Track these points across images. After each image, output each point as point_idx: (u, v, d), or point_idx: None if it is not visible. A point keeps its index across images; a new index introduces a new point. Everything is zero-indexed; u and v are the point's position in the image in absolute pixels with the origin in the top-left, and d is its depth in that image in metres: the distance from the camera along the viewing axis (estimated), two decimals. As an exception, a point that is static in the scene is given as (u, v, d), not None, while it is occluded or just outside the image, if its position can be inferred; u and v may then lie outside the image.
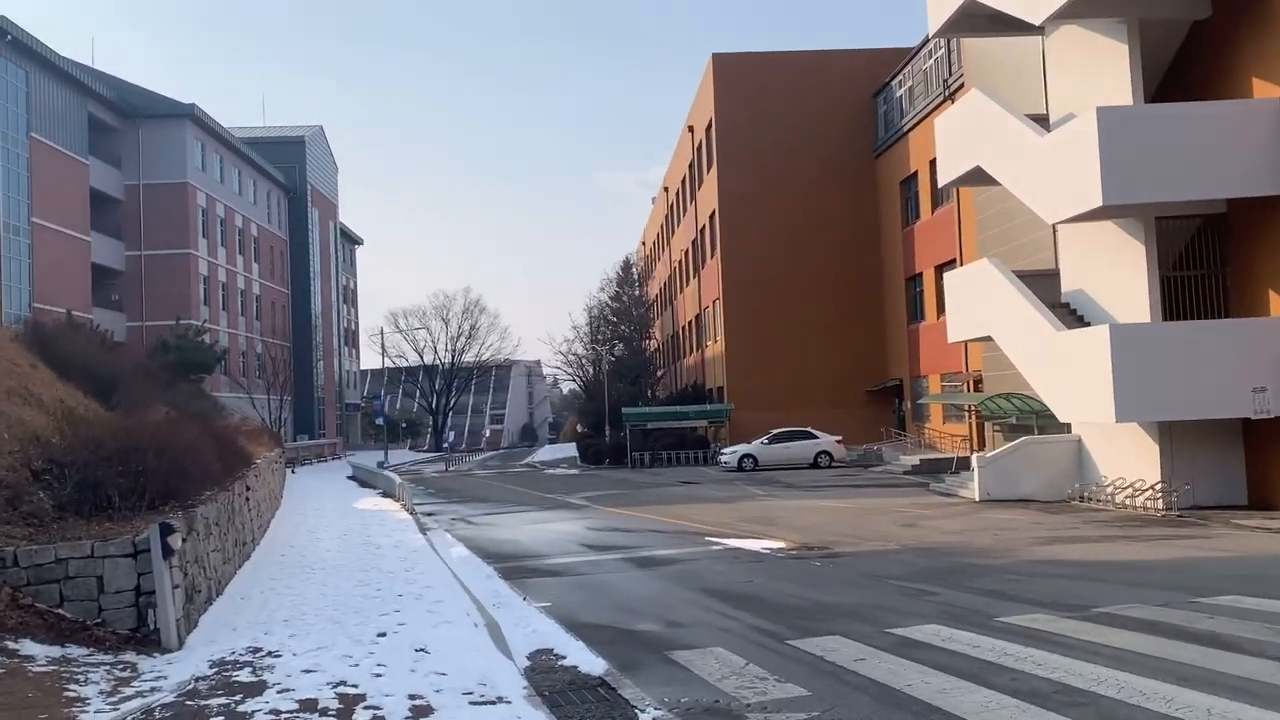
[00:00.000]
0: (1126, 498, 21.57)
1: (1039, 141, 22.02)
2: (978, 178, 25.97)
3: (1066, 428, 27.15)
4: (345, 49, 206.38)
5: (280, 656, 8.84)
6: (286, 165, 71.93)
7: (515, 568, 15.14)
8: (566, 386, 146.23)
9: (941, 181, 27.75)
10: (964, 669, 7.96)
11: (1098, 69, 22.40)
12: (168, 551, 9.09)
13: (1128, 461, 22.11)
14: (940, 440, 39.23)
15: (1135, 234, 21.52)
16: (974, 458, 25.05)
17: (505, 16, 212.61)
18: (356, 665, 8.50)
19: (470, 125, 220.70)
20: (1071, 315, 23.51)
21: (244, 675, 8.19)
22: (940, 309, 39.86)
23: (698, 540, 17.67)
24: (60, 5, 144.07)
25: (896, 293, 44.63)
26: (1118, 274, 22.31)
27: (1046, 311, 22.60)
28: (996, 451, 25.03)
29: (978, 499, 24.38)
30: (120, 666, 8.19)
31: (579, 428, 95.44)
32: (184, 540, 9.84)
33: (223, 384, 56.07)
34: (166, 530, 9.12)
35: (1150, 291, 21.07)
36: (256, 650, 9.10)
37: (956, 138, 26.37)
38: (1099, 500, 22.67)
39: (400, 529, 19.99)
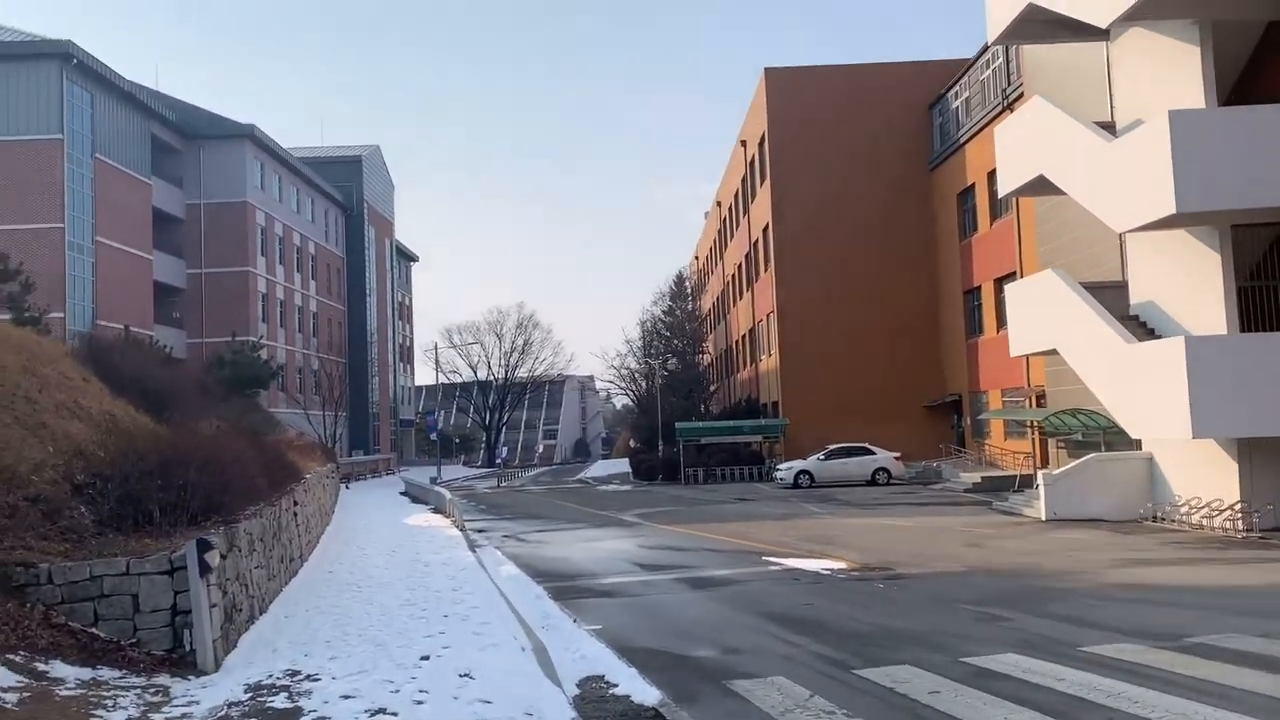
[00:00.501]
0: (1203, 518, 20.59)
1: (1106, 148, 21.21)
2: (1040, 187, 25.15)
3: (1136, 445, 26.14)
4: (405, 63, 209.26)
5: (319, 680, 8.47)
6: (344, 184, 72.75)
7: (566, 587, 14.70)
8: (620, 401, 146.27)
9: (1002, 191, 26.95)
10: (1052, 705, 7.33)
11: (1167, 73, 21.56)
12: (205, 569, 8.78)
13: (1204, 480, 21.12)
14: (1001, 457, 38.15)
15: (1210, 242, 20.61)
16: (1040, 475, 24.17)
17: (563, 30, 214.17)
18: (397, 691, 8.09)
19: (526, 139, 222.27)
20: (1141, 328, 22.59)
21: (279, 701, 7.82)
22: (1000, 322, 38.87)
23: (754, 560, 17.09)
24: (126, 32, 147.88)
25: (954, 306, 43.65)
26: (1191, 284, 21.40)
27: (1116, 324, 21.73)
28: (1063, 469, 24.12)
29: (1044, 519, 23.49)
30: (152, 690, 7.86)
31: (631, 443, 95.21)
32: (223, 557, 9.54)
33: (280, 400, 56.61)
34: (204, 547, 8.82)
35: (1226, 302, 20.15)
36: (295, 674, 8.73)
37: (1018, 146, 25.59)
38: (1173, 521, 21.69)
39: (449, 546, 19.67)
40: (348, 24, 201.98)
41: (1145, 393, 20.37)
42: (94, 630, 8.68)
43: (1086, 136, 22.01)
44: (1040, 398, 34.52)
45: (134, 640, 8.75)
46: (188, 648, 8.80)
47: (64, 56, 41.93)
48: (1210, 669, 8.21)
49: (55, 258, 41.42)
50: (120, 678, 8.05)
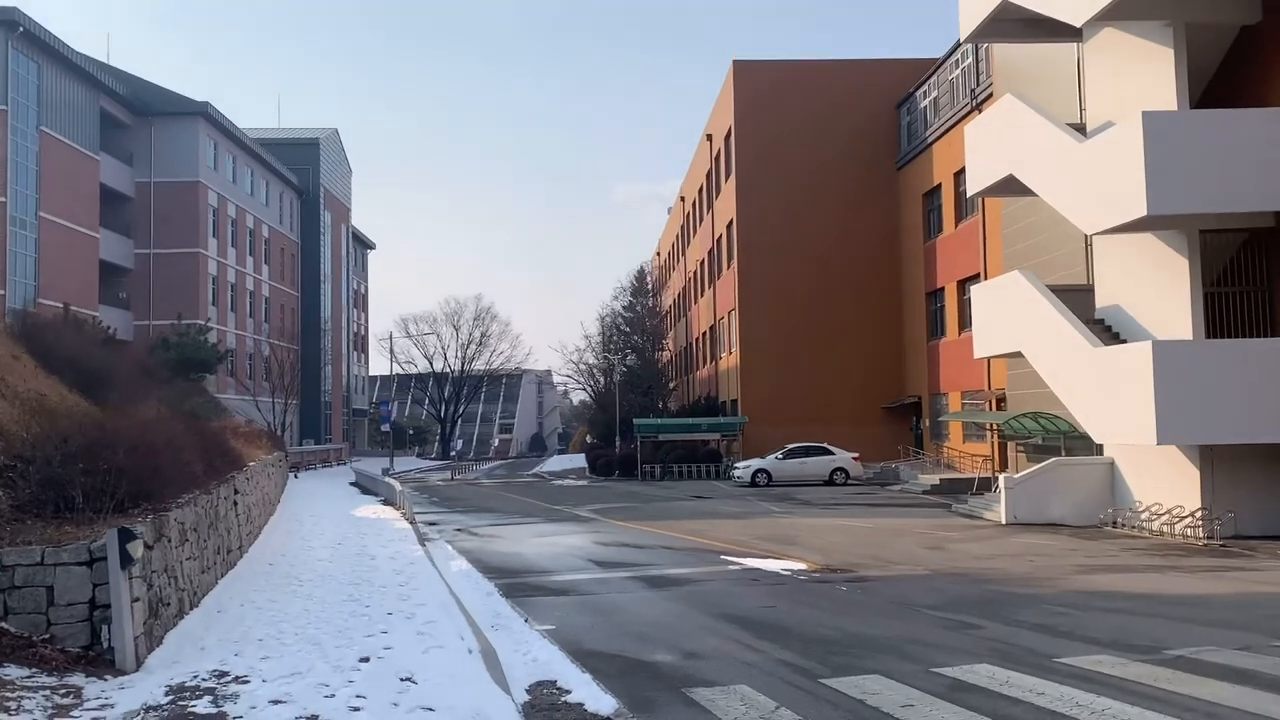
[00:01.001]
0: (1164, 525, 20.44)
1: (1078, 148, 20.97)
2: (1009, 187, 24.90)
3: (1097, 449, 26.05)
4: (363, 48, 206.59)
5: (248, 683, 7.82)
6: (300, 167, 71.33)
7: (518, 584, 14.12)
8: (577, 397, 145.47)
9: (971, 191, 26.69)
10: (1032, 722, 6.91)
11: (1139, 75, 21.36)
12: (127, 560, 8.10)
13: (1165, 486, 20.98)
14: (960, 460, 38.08)
15: (1178, 247, 20.44)
16: (1001, 479, 23.94)
17: (525, 22, 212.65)
18: (332, 696, 7.48)
19: (488, 131, 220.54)
20: (1107, 332, 22.41)
21: (202, 705, 7.17)
22: (963, 325, 38.82)
23: (713, 559, 16.61)
24: (78, 2, 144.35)
25: (917, 308, 43.54)
26: (1158, 289, 21.23)
27: (1082, 327, 21.51)
28: (1025, 473, 23.91)
29: (1004, 522, 23.27)
30: (62, 691, 7.18)
31: (588, 438, 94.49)
32: (149, 548, 8.85)
33: (229, 386, 55.34)
34: (126, 536, 8.13)
35: (1194, 307, 19.98)
36: (222, 675, 8.08)
37: (988, 145, 25.33)
38: (1133, 527, 21.53)
39: (398, 539, 18.98)
40: (310, 6, 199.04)
41: (1110, 397, 20.16)
42: (3, 624, 7.98)
43: (1058, 136, 21.77)
44: (1000, 401, 34.44)
45: (47, 636, 8.05)
46: (106, 645, 8.11)
47: (9, 24, 40.47)
48: (1194, 684, 7.82)
49: (-5, 232, 40.04)
50: (29, 677, 7.36)
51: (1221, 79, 21.41)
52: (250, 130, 64.20)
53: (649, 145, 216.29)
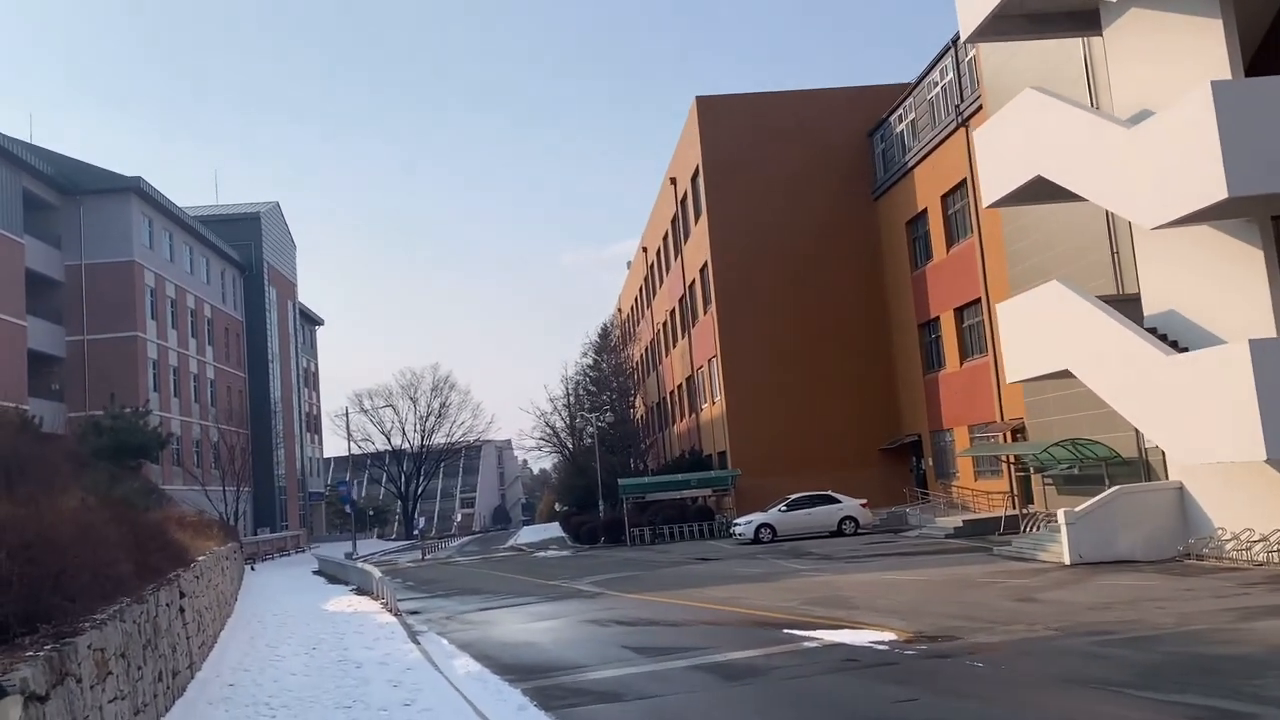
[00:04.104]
0: (1267, 553, 17.84)
1: (1127, 137, 18.68)
2: (1034, 193, 22.61)
3: (1142, 473, 23.63)
4: (297, 129, 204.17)
5: None
6: (242, 243, 67.91)
7: (551, 689, 11.05)
8: (539, 465, 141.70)
9: (986, 201, 24.38)
10: None
11: (1177, 54, 19.31)
12: (-3, 730, 5.04)
13: (1253, 510, 18.46)
14: (974, 500, 35.47)
15: (1247, 237, 18.20)
16: (1060, 514, 21.27)
17: (450, 93, 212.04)
18: None
19: (429, 209, 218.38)
20: (1163, 341, 20.00)
21: None
22: (965, 354, 36.54)
23: (774, 634, 13.64)
24: None
25: (908, 341, 41.20)
26: (1222, 287, 18.94)
27: (1148, 335, 19.09)
28: (1086, 506, 21.27)
29: (1068, 562, 20.59)
30: None
31: (557, 506, 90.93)
32: (41, 699, 5.77)
33: (175, 476, 51.39)
34: (-4, 691, 5.08)
35: (1276, 301, 17.65)
36: None
37: (1006, 149, 23.07)
38: (1218, 558, 18.95)
39: (384, 637, 15.78)
40: (243, 88, 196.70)
41: (1193, 412, 17.66)
42: None
43: (1100, 127, 19.52)
44: (1017, 432, 31.98)
45: None
46: None
47: (-85, 97, 37.20)
48: None
49: (-92, 324, 36.37)
50: None
51: (1269, 45, 19.39)
52: (188, 208, 60.93)
53: (594, 211, 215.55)
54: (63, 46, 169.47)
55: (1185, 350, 18.91)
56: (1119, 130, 18.97)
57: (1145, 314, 20.92)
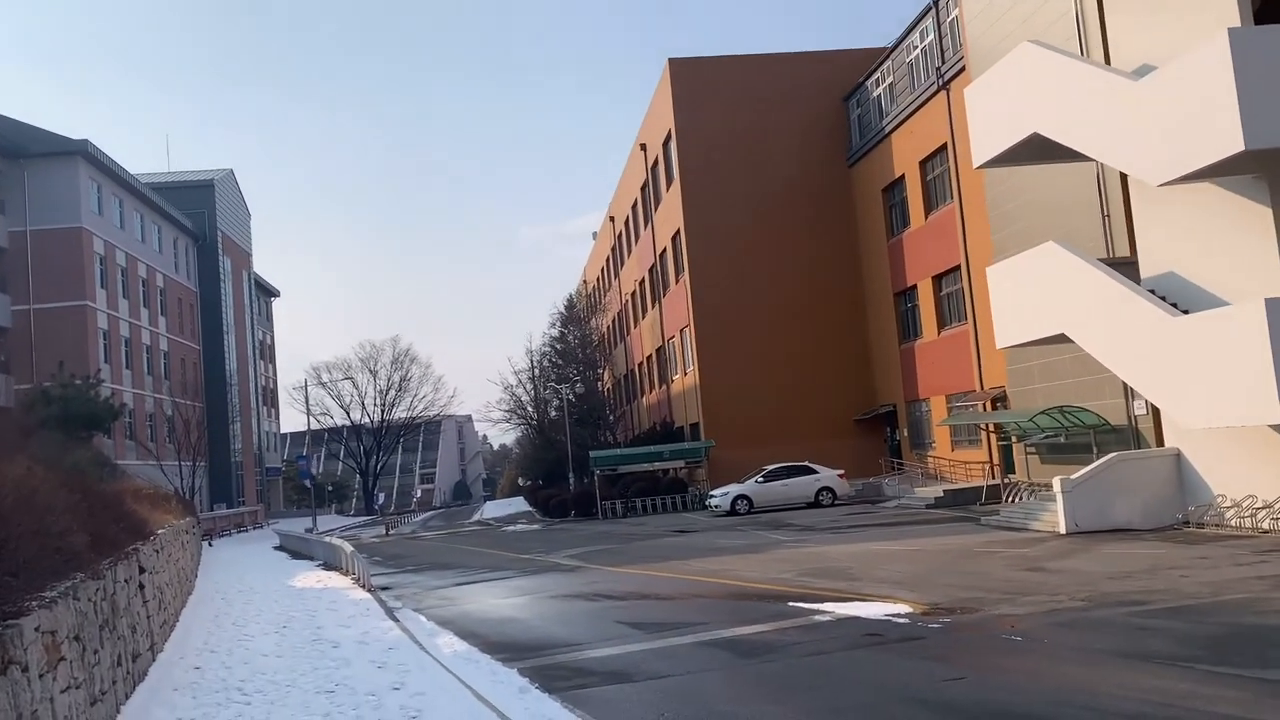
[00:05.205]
0: (1268, 519, 17.35)
1: (1134, 89, 17.96)
2: (1028, 152, 21.93)
3: (1131, 440, 23.11)
4: (252, 94, 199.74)
5: None
6: (195, 211, 65.70)
7: (549, 668, 10.17)
8: (498, 441, 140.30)
9: (977, 162, 23.64)
10: None
11: (1179, 6, 18.64)
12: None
13: (1254, 476, 17.96)
14: (951, 470, 34.99)
15: (1254, 195, 17.58)
16: (1056, 482, 20.67)
17: (409, 58, 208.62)
18: None
19: (386, 181, 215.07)
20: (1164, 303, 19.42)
21: None
22: (943, 322, 35.96)
23: (780, 608, 12.84)
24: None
25: (884, 310, 40.56)
26: (1227, 248, 18.35)
27: (1151, 296, 18.47)
28: (1082, 474, 20.70)
29: (1064, 531, 20.03)
30: None
31: (520, 480, 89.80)
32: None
33: (128, 450, 49.69)
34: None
35: (1284, 262, 17.08)
36: None
37: (998, 107, 22.32)
38: (1219, 525, 18.47)
39: (360, 614, 14.80)
40: (198, 50, 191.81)
41: (1199, 375, 17.07)
42: None
43: (1104, 80, 18.79)
44: (998, 400, 31.48)
45: None
46: None
47: None
48: None
49: None
50: None
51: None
52: (139, 174, 58.74)
53: (549, 185, 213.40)
54: (9, 7, 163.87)
55: (1186, 313, 18.33)
56: (1125, 83, 18.26)
57: (1143, 276, 20.34)
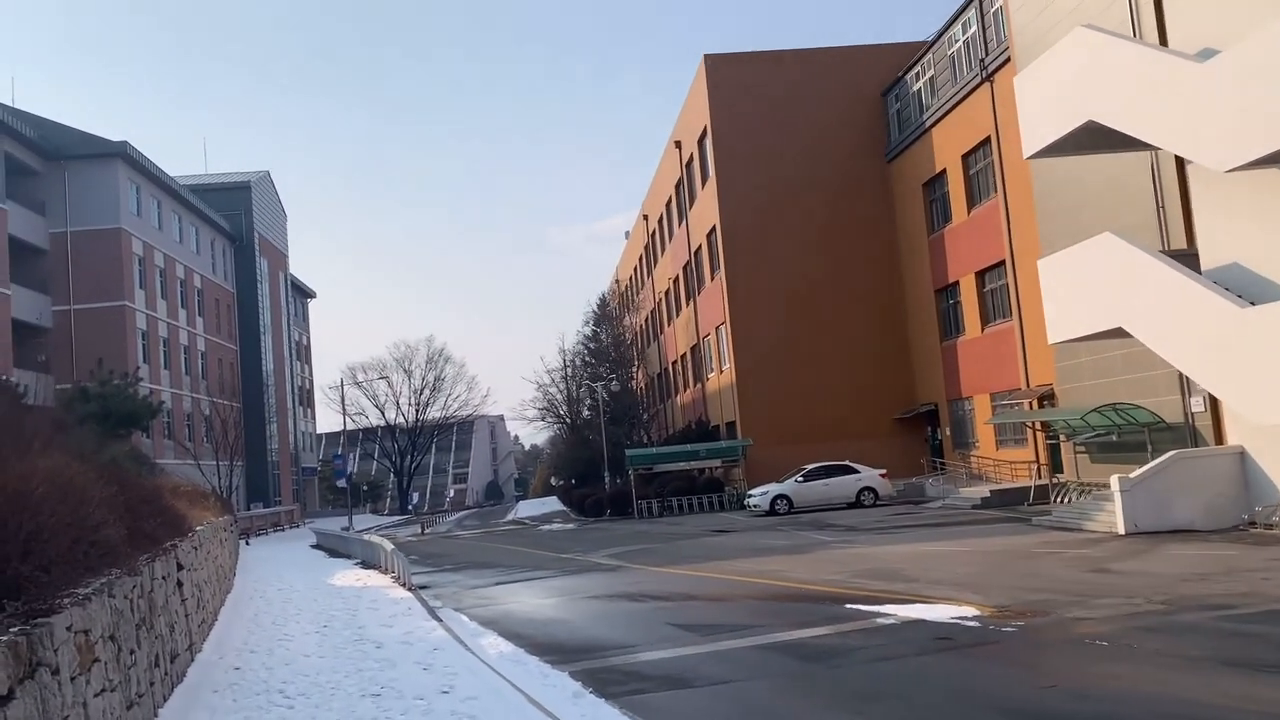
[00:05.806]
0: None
1: (1200, 72, 17.27)
2: (1084, 140, 21.24)
3: (1188, 438, 22.34)
4: (289, 97, 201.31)
5: None
6: (232, 213, 66.05)
7: (601, 671, 9.73)
8: (530, 441, 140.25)
9: (1027, 152, 22.98)
10: None
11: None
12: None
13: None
14: (996, 470, 34.23)
15: (1327, 182, 16.85)
16: (1114, 481, 19.99)
17: (445, 62, 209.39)
18: None
19: (423, 175, 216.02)
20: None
21: None
22: (986, 319, 35.21)
23: (834, 609, 12.34)
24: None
25: (924, 307, 39.83)
26: (1295, 237, 17.61)
27: (1218, 288, 17.76)
28: (1141, 472, 20.01)
29: (1123, 531, 19.36)
30: None
31: (552, 480, 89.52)
32: (4, 699, 4.40)
33: (167, 449, 49.91)
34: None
35: (1361, 251, 16.35)
36: None
37: (1051, 95, 21.65)
38: (1289, 526, 17.74)
39: (402, 614, 14.44)
40: (239, 54, 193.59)
41: (1273, 366, 16.35)
42: None
43: (1166, 63, 18.11)
44: (1045, 398, 30.72)
45: None
46: None
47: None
48: None
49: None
50: None
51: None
52: (177, 176, 59.05)
53: (580, 187, 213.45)
54: (51, 8, 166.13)
55: (1253, 305, 17.61)
56: (1189, 66, 17.57)
57: (1203, 267, 19.63)
